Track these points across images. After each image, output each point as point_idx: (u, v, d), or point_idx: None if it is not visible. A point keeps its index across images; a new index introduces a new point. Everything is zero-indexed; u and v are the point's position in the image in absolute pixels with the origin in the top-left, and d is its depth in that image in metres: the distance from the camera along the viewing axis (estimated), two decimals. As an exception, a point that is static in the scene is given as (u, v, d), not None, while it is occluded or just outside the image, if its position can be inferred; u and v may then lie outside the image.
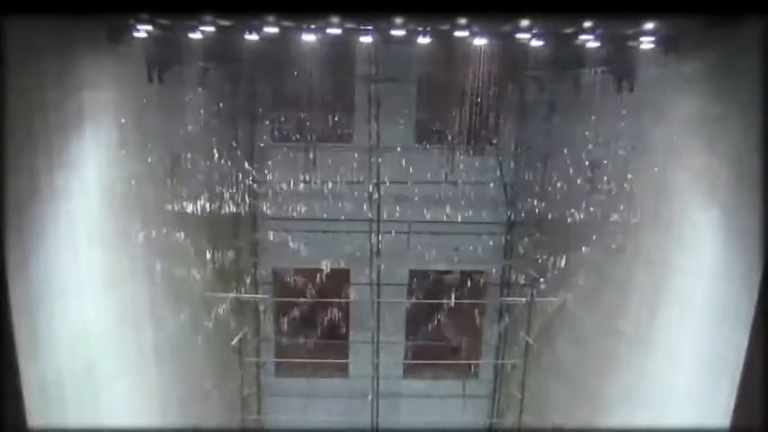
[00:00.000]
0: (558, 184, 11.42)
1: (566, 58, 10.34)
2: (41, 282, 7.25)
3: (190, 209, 10.94)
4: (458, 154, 13.24)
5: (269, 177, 13.13)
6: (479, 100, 12.75)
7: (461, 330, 14.41)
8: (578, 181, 11.04)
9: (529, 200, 12.94)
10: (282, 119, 13.34)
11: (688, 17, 7.48)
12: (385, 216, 12.97)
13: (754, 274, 6.95)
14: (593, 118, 10.56)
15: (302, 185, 12.88)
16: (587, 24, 8.36)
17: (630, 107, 9.86)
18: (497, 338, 14.41)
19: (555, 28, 8.70)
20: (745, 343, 7.09)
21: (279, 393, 14.63)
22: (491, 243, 13.35)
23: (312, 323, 13.95)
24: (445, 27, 8.69)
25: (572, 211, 11.16)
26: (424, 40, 8.93)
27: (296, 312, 13.79)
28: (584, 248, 11.10)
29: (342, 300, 13.90)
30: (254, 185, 13.44)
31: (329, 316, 13.89)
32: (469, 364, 14.63)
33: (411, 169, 12.87)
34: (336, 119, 13.49)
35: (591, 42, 8.97)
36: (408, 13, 7.85)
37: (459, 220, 12.97)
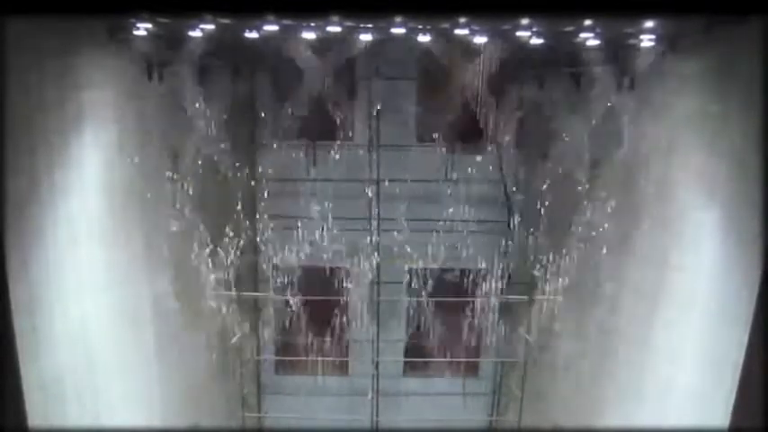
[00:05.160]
0: (558, 183, 11.42)
1: (566, 56, 10.32)
2: (41, 281, 7.25)
3: (190, 207, 10.92)
4: (457, 152, 13.23)
5: (269, 175, 13.12)
6: (479, 98, 12.74)
7: (461, 328, 14.40)
8: (578, 179, 11.04)
9: (528, 198, 12.93)
10: (282, 117, 13.31)
11: (688, 17, 7.47)
12: (385, 214, 12.96)
13: (754, 273, 6.96)
14: (593, 116, 10.55)
15: (302, 183, 12.87)
16: (587, 22, 8.35)
17: (630, 106, 9.85)
18: (497, 337, 14.40)
19: (555, 26, 8.68)
20: (745, 341, 7.11)
21: (279, 391, 14.63)
22: (491, 241, 13.32)
23: (312, 321, 13.94)
24: (445, 25, 8.68)
25: (572, 209, 11.15)
26: (423, 39, 8.92)
27: (296, 310, 13.76)
28: (584, 247, 11.10)
29: (341, 298, 13.89)
30: (255, 183, 13.43)
31: (329, 314, 13.88)
32: (469, 363, 14.62)
33: (411, 167, 12.85)
34: (336, 117, 13.46)
35: (591, 41, 8.97)
36: (408, 12, 7.85)
37: (459, 218, 12.95)
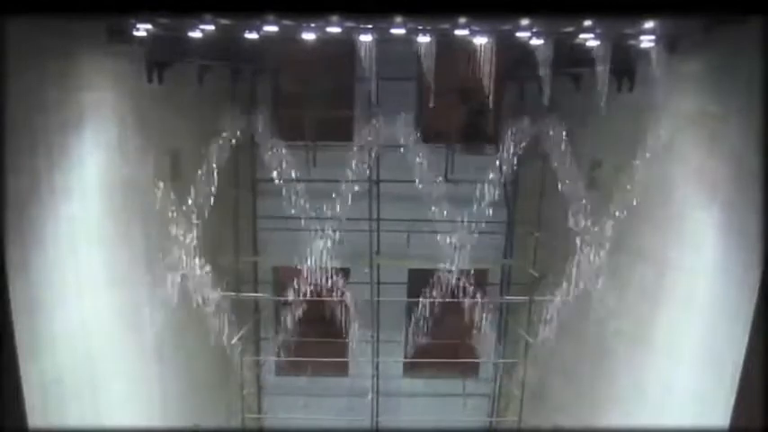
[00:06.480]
0: (558, 183, 11.42)
1: (566, 56, 10.32)
2: (41, 281, 7.24)
3: (190, 208, 10.92)
4: (457, 152, 13.23)
5: (269, 175, 13.12)
6: (479, 98, 12.75)
7: (461, 329, 14.40)
8: (578, 180, 11.03)
9: (528, 198, 12.93)
10: (282, 117, 13.32)
11: (688, 17, 7.48)
12: (385, 214, 12.96)
13: (754, 273, 6.96)
14: (593, 117, 10.55)
15: (302, 184, 12.87)
16: (587, 23, 8.35)
17: (630, 106, 9.85)
18: (497, 337, 14.41)
19: (555, 27, 8.69)
20: (745, 341, 7.10)
21: (279, 392, 14.65)
22: (491, 242, 13.33)
23: (312, 322, 13.93)
24: (445, 26, 8.67)
25: (572, 209, 11.15)
26: (424, 39, 8.92)
27: (295, 311, 13.76)
28: (583, 247, 11.09)
29: (342, 298, 13.89)
30: (254, 184, 13.42)
31: (329, 315, 13.88)
32: (469, 363, 14.62)
33: (411, 168, 12.85)
34: (336, 117, 13.46)
35: (591, 41, 8.96)
36: (408, 12, 7.84)
37: (459, 218, 12.96)
